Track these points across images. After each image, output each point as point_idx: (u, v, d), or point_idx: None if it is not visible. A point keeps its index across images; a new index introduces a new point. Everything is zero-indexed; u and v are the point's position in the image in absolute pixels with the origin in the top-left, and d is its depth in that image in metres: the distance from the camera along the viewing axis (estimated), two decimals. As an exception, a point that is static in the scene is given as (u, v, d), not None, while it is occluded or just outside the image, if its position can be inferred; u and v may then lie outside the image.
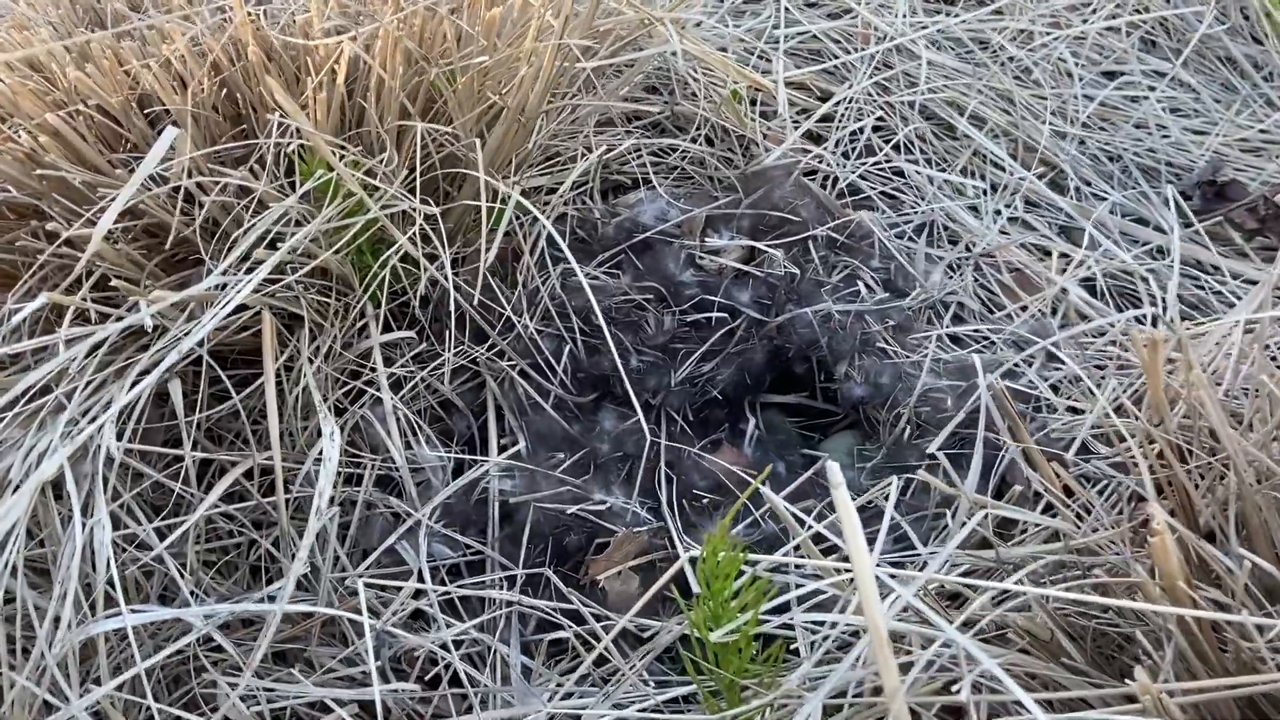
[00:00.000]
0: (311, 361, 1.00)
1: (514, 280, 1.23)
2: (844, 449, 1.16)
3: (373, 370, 1.07)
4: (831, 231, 1.26)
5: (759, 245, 1.23)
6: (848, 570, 0.74)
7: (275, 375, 0.98)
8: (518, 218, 1.23)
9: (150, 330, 0.83)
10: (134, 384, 0.81)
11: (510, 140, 1.08)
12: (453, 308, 1.04)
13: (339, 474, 1.06)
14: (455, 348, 1.15)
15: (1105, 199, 1.40)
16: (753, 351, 1.19)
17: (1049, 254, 1.30)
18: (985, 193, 1.37)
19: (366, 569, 0.96)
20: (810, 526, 0.82)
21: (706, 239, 1.25)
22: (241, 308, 0.96)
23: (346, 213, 0.91)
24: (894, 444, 1.07)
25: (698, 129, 1.40)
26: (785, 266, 1.21)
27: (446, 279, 1.06)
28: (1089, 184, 1.42)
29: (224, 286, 0.85)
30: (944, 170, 1.39)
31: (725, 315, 1.19)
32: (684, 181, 1.39)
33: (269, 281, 0.96)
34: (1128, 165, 1.45)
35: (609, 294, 1.21)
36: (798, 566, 0.80)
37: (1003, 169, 1.41)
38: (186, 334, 0.81)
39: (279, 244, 0.88)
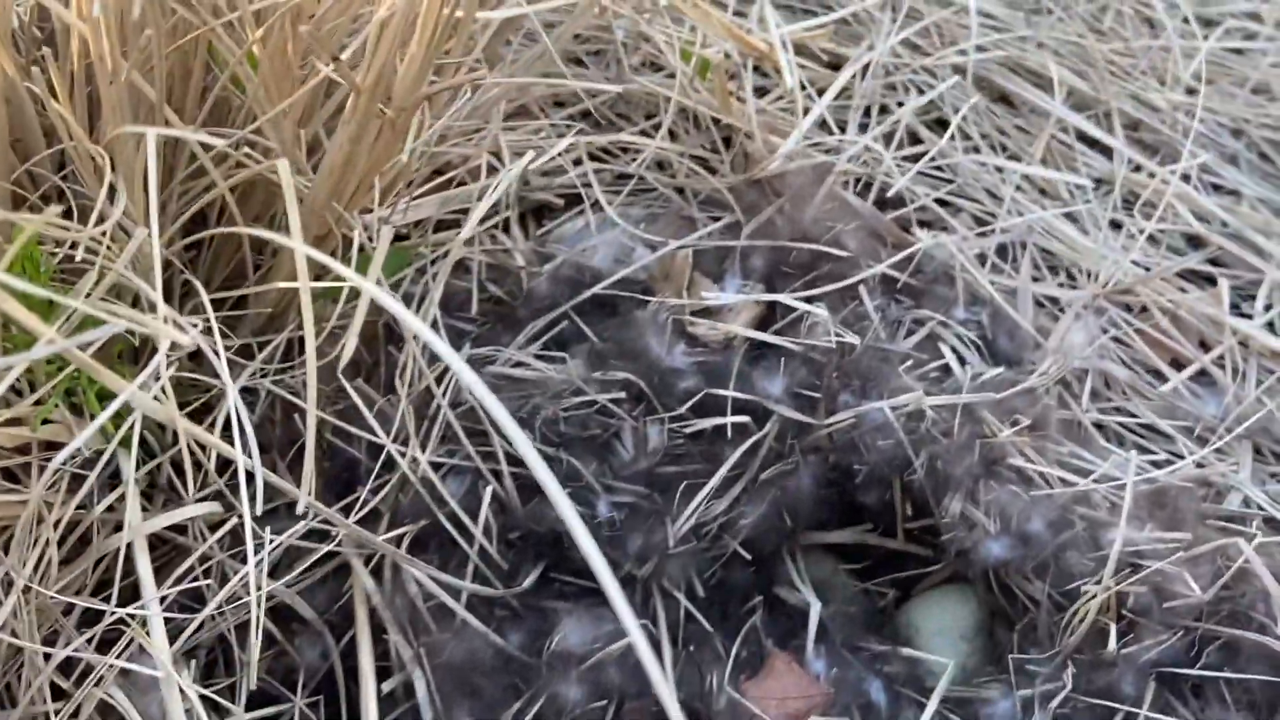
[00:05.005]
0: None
1: (382, 381, 0.74)
2: (960, 631, 0.70)
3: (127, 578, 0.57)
4: (890, 269, 0.81)
5: (788, 300, 0.76)
6: None
7: None
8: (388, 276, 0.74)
9: None
10: None
11: (373, 149, 0.60)
12: (310, 441, 0.55)
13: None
14: (299, 510, 0.66)
15: (1237, 192, 0.98)
16: (794, 475, 0.72)
17: (1209, 282, 0.87)
18: (1079, 191, 0.93)
19: None
20: None
21: (700, 292, 0.78)
22: None
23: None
24: (1084, 652, 0.61)
25: (652, 117, 0.93)
26: (834, 332, 0.74)
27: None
28: (1206, 173, 1.00)
29: None
30: (1020, 160, 0.95)
31: (745, 419, 0.72)
32: (641, 195, 0.92)
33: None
34: (1254, 142, 1.04)
35: (553, 392, 0.73)
36: None
37: (1097, 156, 0.97)
38: None
39: None
